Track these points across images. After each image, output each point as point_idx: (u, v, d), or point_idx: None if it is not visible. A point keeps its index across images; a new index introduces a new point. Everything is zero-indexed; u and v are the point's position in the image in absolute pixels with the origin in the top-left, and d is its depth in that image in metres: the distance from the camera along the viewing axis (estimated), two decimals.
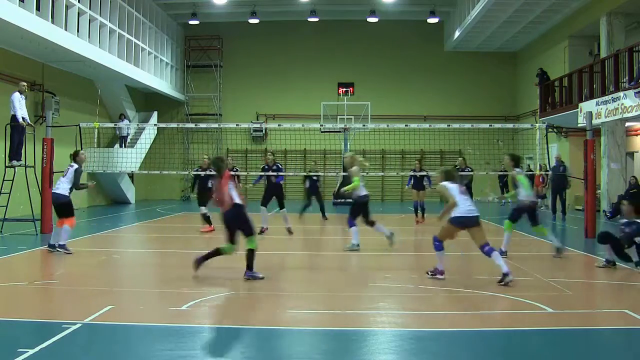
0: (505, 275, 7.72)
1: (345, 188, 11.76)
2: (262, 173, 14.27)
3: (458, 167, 15.78)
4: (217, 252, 8.36)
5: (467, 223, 8.03)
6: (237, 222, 8.16)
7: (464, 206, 8.04)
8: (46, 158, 13.23)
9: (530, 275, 8.69)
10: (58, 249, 10.24)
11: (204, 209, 13.91)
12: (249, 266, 8.14)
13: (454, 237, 8.34)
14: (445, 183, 8.30)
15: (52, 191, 10.66)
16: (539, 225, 10.44)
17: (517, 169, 10.47)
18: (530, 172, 21.34)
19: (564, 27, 22.56)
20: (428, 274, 8.28)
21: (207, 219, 13.86)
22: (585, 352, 5.34)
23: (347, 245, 11.07)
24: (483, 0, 20.98)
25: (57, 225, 10.47)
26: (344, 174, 23.47)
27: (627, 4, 17.86)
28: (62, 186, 10.52)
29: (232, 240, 8.25)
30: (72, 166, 10.72)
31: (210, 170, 12.95)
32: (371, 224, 11.09)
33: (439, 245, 8.23)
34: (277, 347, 5.42)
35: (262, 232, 12.87)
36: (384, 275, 8.54)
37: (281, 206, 13.92)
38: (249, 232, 8.14)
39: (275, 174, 14.08)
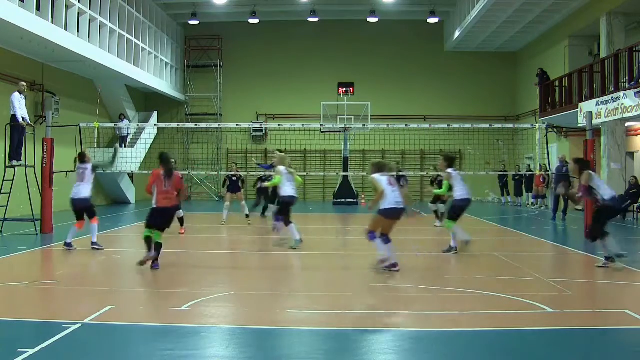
0: (388, 263, 8.35)
1: (266, 184, 12.92)
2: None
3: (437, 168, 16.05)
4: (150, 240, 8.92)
5: (394, 215, 8.27)
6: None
7: (391, 198, 8.29)
8: (46, 158, 13.24)
9: (530, 275, 8.69)
10: (93, 246, 10.74)
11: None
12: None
13: (388, 229, 8.52)
14: (375, 175, 8.49)
15: (75, 198, 10.70)
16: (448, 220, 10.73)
17: (451, 170, 10.68)
18: (530, 172, 21.41)
19: (564, 27, 22.56)
20: (380, 265, 8.53)
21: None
22: (585, 352, 5.33)
23: (290, 244, 11.11)
24: (483, 0, 20.99)
25: (77, 227, 10.75)
26: (344, 174, 23.63)
27: (627, 4, 17.86)
28: (84, 190, 10.74)
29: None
30: (85, 168, 10.89)
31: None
32: (287, 223, 11.25)
33: (371, 235, 8.53)
34: (277, 347, 5.42)
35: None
36: (384, 275, 8.54)
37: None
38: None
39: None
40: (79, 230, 10.71)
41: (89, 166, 10.81)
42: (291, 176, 11.31)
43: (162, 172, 8.86)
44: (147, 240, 8.84)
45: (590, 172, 9.18)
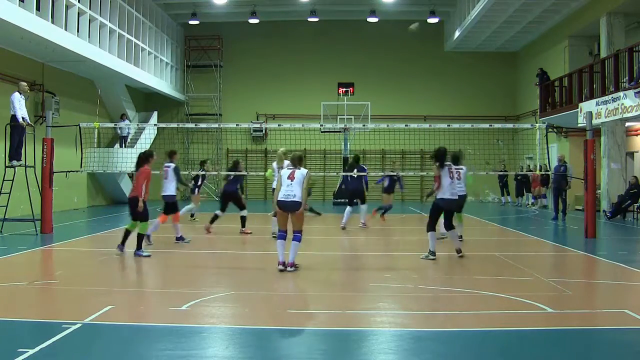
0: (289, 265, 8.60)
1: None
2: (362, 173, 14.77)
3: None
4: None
5: (283, 207, 8.56)
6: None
7: (282, 190, 8.57)
8: (46, 158, 13.24)
9: (530, 275, 8.69)
10: (177, 241, 11.62)
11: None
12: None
13: (284, 222, 8.73)
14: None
15: (162, 194, 11.72)
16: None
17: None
18: (530, 172, 21.40)
19: (564, 27, 22.56)
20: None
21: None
22: (585, 352, 5.34)
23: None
24: (483, 1, 20.99)
25: (160, 220, 11.69)
26: (344, 174, 23.58)
27: (627, 4, 17.86)
28: (168, 187, 11.61)
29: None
30: (169, 166, 11.64)
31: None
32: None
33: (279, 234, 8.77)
34: (277, 347, 5.42)
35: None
36: (384, 275, 8.54)
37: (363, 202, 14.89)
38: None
39: (360, 173, 14.70)
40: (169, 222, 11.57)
41: (172, 166, 11.65)
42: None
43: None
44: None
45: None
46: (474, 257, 10.11)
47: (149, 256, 9.86)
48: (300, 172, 8.73)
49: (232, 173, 13.76)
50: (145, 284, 8.40)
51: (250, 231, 13.58)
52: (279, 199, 8.65)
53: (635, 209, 17.45)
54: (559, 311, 6.47)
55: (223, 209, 13.56)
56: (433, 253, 9.96)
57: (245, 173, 15.16)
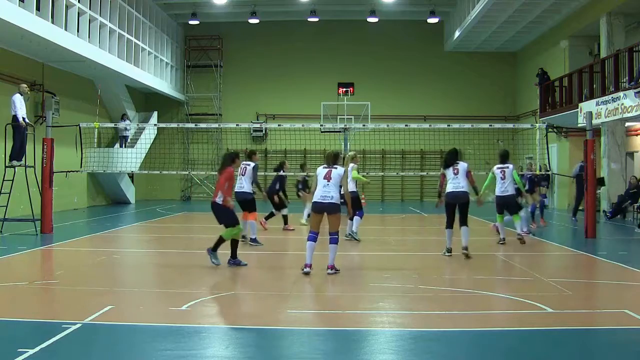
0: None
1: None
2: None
3: None
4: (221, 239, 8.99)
5: (319, 209, 8.34)
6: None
7: (319, 191, 8.36)
8: (46, 158, 13.23)
9: (530, 275, 8.69)
10: (250, 242, 11.30)
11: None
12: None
13: (317, 223, 8.50)
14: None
15: (237, 191, 11.28)
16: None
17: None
18: (530, 172, 21.39)
19: (564, 27, 22.55)
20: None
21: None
22: (585, 352, 5.33)
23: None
24: (483, 1, 20.98)
25: (243, 218, 11.19)
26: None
27: (627, 4, 17.85)
28: (245, 185, 11.36)
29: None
30: (248, 164, 11.56)
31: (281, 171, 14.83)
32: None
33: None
34: (277, 347, 5.42)
35: None
36: (384, 275, 8.54)
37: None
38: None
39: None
40: (251, 221, 11.31)
41: (253, 164, 11.59)
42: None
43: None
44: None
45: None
46: (474, 257, 10.10)
47: (246, 265, 9.07)
48: (337, 172, 8.41)
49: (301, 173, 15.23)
50: (145, 284, 8.40)
51: (293, 227, 14.45)
52: (315, 200, 8.36)
53: (635, 209, 17.44)
54: (559, 311, 6.47)
55: (276, 208, 14.42)
56: (449, 250, 10.25)
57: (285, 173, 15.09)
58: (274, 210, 14.45)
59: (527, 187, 15.35)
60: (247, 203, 11.47)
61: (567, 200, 22.60)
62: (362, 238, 12.16)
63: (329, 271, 8.32)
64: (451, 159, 10.45)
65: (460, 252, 10.00)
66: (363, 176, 13.89)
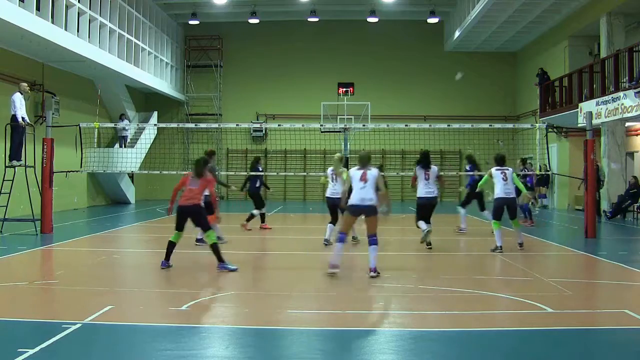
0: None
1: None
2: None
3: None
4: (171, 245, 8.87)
5: (356, 211, 8.27)
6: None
7: (357, 193, 8.21)
8: (46, 158, 13.23)
9: (530, 275, 8.69)
10: (197, 243, 11.25)
11: None
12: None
13: (350, 225, 8.52)
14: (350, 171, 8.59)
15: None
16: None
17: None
18: (530, 172, 21.40)
19: (564, 27, 22.56)
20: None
21: None
22: (585, 352, 5.33)
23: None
24: (483, 1, 20.98)
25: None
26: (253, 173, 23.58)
27: (627, 4, 17.86)
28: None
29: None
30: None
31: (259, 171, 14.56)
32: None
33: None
34: (277, 347, 5.42)
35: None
36: (384, 275, 8.53)
37: None
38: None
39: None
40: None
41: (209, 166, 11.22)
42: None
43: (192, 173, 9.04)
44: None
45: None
46: (474, 257, 10.11)
47: (236, 269, 8.68)
48: (372, 173, 8.26)
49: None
50: (145, 284, 8.40)
51: (271, 226, 14.57)
52: (353, 202, 8.18)
53: (635, 209, 17.45)
54: (559, 311, 6.47)
55: (257, 206, 14.42)
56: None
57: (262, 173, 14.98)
58: (254, 211, 14.37)
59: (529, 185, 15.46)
60: (207, 205, 10.98)
61: (567, 201, 22.61)
62: (361, 238, 12.12)
63: (372, 274, 8.11)
64: (427, 162, 10.83)
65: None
66: None
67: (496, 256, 10.49)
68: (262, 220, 14.74)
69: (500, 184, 10.96)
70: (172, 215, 9.62)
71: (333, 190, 11.39)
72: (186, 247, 11.98)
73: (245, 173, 27.34)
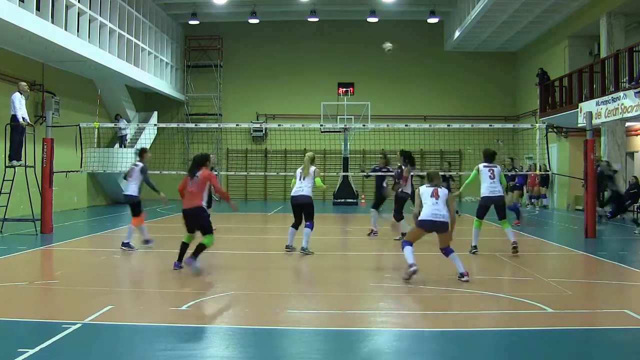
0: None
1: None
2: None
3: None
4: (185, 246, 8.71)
5: (430, 227, 8.15)
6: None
7: (429, 209, 8.13)
8: (46, 158, 13.23)
9: (530, 275, 8.69)
10: (123, 246, 10.81)
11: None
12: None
13: (418, 238, 8.35)
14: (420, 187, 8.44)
15: (125, 194, 11.29)
16: None
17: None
18: (529, 172, 21.40)
19: (564, 27, 22.56)
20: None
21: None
22: (585, 352, 5.34)
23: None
24: (483, 1, 20.98)
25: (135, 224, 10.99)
26: (344, 174, 23.63)
27: (627, 4, 17.86)
28: (131, 187, 11.07)
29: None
30: (137, 165, 11.16)
31: (216, 171, 13.48)
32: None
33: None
34: (277, 347, 5.42)
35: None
36: (384, 275, 8.54)
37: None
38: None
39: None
40: (133, 225, 10.99)
41: (141, 165, 11.14)
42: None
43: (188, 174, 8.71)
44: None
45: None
46: (474, 257, 10.10)
47: (197, 269, 8.34)
48: (443, 192, 8.22)
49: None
50: (145, 284, 8.40)
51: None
52: (425, 218, 8.09)
53: (635, 209, 17.44)
54: (559, 311, 6.47)
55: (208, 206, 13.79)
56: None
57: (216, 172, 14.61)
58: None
59: (517, 183, 15.45)
60: (136, 206, 10.95)
61: (566, 201, 22.61)
62: (361, 238, 12.13)
63: (465, 278, 7.97)
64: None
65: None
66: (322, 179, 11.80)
67: (496, 256, 10.49)
68: None
69: (487, 182, 10.36)
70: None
71: (298, 188, 10.40)
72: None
73: (246, 173, 27.41)
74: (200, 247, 8.34)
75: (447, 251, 8.19)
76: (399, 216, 11.94)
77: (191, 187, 8.57)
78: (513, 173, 15.83)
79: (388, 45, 21.50)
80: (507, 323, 6.15)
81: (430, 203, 8.14)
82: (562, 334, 5.70)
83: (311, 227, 10.35)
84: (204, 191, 8.90)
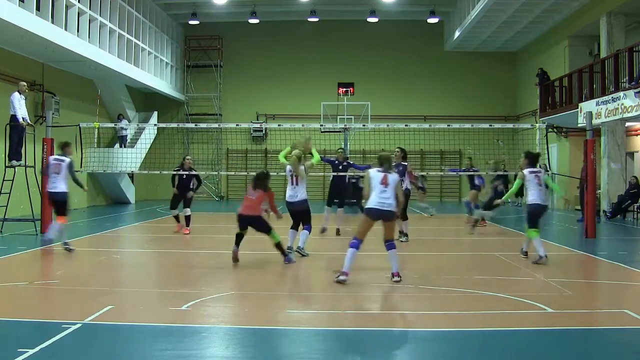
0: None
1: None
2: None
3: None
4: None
5: (375, 216, 7.90)
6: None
7: (376, 197, 7.85)
8: (46, 158, 13.22)
9: (530, 275, 8.69)
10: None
11: (175, 211, 13.93)
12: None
13: (366, 231, 8.06)
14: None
15: (50, 191, 10.66)
16: None
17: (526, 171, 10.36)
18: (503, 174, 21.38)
19: (564, 27, 22.56)
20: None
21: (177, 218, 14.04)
22: (585, 352, 5.33)
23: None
24: (483, 1, 20.98)
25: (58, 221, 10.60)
26: (344, 174, 23.57)
27: (627, 4, 17.86)
28: (59, 185, 10.61)
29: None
30: (63, 161, 10.64)
31: (192, 171, 14.02)
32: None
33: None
34: (277, 347, 5.42)
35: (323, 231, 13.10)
36: (384, 275, 8.53)
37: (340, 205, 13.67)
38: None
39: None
40: (59, 223, 10.49)
41: (68, 161, 10.74)
42: None
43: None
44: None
45: None
46: (474, 257, 10.10)
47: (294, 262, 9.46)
48: (393, 177, 7.92)
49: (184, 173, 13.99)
50: (145, 284, 8.40)
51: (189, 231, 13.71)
52: (371, 206, 7.80)
53: (635, 209, 17.45)
54: (559, 311, 6.47)
55: (185, 205, 13.93)
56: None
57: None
58: (186, 212, 13.77)
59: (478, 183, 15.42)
60: (62, 205, 10.50)
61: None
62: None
63: (396, 279, 7.86)
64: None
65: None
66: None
67: (496, 256, 10.49)
68: (177, 221, 13.99)
69: (535, 188, 9.67)
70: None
71: (291, 193, 10.08)
72: (186, 247, 11.99)
73: (246, 173, 27.41)
74: (279, 245, 9.38)
75: (390, 245, 7.98)
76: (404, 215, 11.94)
77: (251, 196, 9.40)
78: (471, 173, 15.77)
79: None
80: (507, 323, 6.15)
81: (378, 190, 7.84)
82: (562, 334, 5.70)
83: (309, 229, 10.25)
84: (262, 203, 9.51)
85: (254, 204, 9.37)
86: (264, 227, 9.41)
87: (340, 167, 13.60)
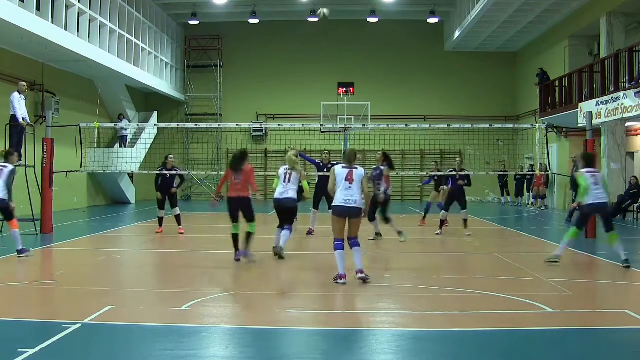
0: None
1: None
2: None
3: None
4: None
5: (341, 213, 7.77)
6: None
7: (341, 194, 7.79)
8: (46, 158, 13.24)
9: (530, 275, 8.69)
10: (19, 255, 9.85)
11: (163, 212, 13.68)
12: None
13: (341, 229, 7.91)
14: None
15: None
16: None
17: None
18: (532, 172, 21.42)
19: (564, 27, 22.56)
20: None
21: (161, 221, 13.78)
22: (585, 352, 5.33)
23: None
24: (483, 1, 20.98)
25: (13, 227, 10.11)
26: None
27: (627, 4, 17.85)
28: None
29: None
30: (5, 167, 10.42)
31: (176, 170, 13.77)
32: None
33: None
34: (277, 347, 5.42)
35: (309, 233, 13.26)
36: (384, 275, 8.54)
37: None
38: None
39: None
40: (15, 229, 10.04)
41: (11, 167, 10.49)
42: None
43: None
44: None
45: None
46: (474, 257, 10.10)
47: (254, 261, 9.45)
48: (358, 173, 7.80)
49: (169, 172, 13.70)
50: (145, 284, 8.40)
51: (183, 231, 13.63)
52: (337, 203, 7.70)
53: (635, 209, 17.45)
54: (559, 311, 6.47)
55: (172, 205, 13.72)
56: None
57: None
58: (175, 212, 13.67)
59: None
60: (8, 209, 10.28)
61: (566, 201, 22.61)
62: (361, 238, 12.09)
63: (361, 275, 7.77)
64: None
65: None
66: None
67: (496, 256, 10.49)
68: (160, 225, 13.75)
69: (591, 188, 9.42)
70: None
71: (282, 190, 10.02)
72: (186, 247, 11.99)
73: None
74: (249, 236, 9.47)
75: (353, 242, 7.88)
76: (387, 217, 11.81)
77: (237, 180, 9.62)
78: (436, 173, 15.63)
79: (324, 11, 21.56)
80: (507, 323, 6.15)
81: (343, 187, 7.73)
82: (562, 334, 5.70)
83: (290, 230, 10.13)
84: (249, 183, 9.71)
85: (241, 186, 9.61)
86: (251, 213, 9.65)
87: (325, 169, 13.43)
